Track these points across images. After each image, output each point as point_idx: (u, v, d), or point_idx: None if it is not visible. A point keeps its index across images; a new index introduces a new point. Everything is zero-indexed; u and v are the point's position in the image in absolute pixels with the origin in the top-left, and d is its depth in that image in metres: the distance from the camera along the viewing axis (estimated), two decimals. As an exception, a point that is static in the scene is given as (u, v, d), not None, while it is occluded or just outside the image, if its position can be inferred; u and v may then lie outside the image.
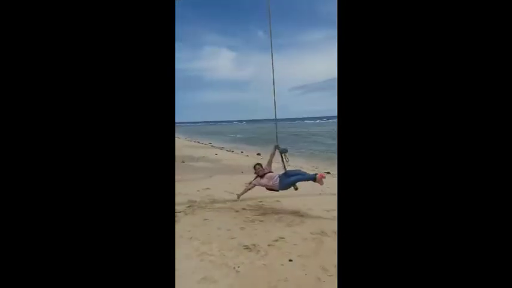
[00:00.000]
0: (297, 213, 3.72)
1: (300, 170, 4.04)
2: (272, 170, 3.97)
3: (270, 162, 4.00)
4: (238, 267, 2.32)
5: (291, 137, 22.88)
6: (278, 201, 4.31)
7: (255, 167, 3.99)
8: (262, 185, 3.87)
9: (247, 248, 2.67)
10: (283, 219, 3.50)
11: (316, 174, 3.67)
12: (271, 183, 3.78)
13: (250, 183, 4.03)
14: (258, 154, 11.91)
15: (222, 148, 14.38)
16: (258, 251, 2.62)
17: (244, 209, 3.93)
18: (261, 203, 4.20)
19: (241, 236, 2.96)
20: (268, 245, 2.74)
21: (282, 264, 2.37)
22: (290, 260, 2.44)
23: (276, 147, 4.00)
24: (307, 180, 3.67)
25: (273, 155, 4.01)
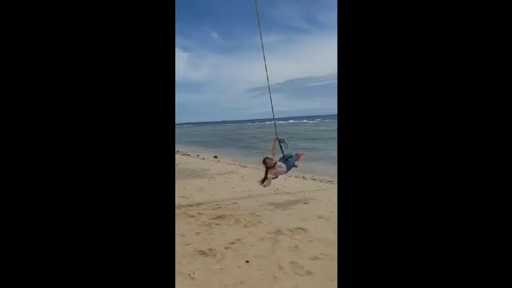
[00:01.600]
0: (253, 214, 3.74)
1: (291, 154, 4.41)
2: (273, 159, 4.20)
3: (273, 154, 4.21)
4: (194, 273, 2.25)
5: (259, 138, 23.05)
6: (235, 203, 4.29)
7: (264, 160, 4.11)
8: (279, 174, 4.15)
9: (203, 253, 2.60)
10: (240, 220, 3.49)
11: (296, 154, 4.43)
12: (282, 169, 4.13)
13: (267, 178, 4.07)
14: (215, 157, 11.76)
15: (177, 152, 13.91)
16: (215, 255, 2.57)
17: (200, 213, 3.83)
18: (217, 206, 4.14)
19: (196, 242, 2.88)
20: (225, 248, 2.70)
21: (239, 266, 2.36)
22: (247, 261, 2.44)
23: (277, 139, 4.30)
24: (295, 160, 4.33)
25: (273, 146, 4.28)
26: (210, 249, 2.67)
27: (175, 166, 8.74)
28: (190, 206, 4.19)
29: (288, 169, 4.21)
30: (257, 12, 3.84)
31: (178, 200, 4.50)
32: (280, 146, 4.34)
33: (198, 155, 12.52)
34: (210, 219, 3.58)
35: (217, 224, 3.39)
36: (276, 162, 4.11)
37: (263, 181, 4.10)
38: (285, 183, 5.95)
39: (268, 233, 3.07)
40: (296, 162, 4.39)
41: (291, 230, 3.11)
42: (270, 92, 4.26)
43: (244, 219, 3.55)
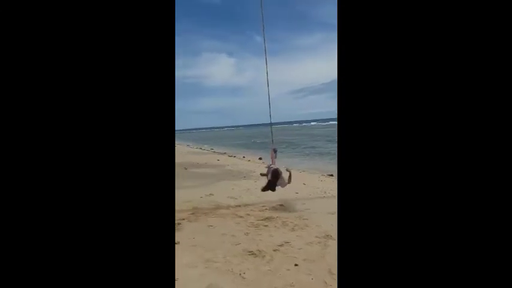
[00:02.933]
0: (300, 217, 3.70)
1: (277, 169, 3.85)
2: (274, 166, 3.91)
3: (273, 162, 4.06)
4: (244, 273, 2.31)
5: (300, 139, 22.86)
6: (282, 205, 4.29)
7: (277, 170, 3.80)
8: (282, 184, 3.75)
9: (252, 254, 2.66)
10: (287, 223, 3.48)
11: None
12: (283, 182, 3.73)
13: (270, 185, 3.77)
14: (260, 159, 11.90)
15: (223, 154, 14.38)
16: (264, 256, 2.61)
17: (248, 214, 3.91)
18: (264, 208, 4.19)
19: (245, 242, 2.94)
20: (274, 250, 2.72)
21: (288, 269, 2.35)
22: (296, 265, 2.42)
23: (274, 150, 4.03)
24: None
25: (272, 155, 4.08)
26: (258, 250, 2.72)
27: (222, 168, 9.05)
28: (239, 206, 4.30)
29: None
30: (262, 15, 3.72)
31: (227, 201, 4.66)
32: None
33: (243, 157, 12.80)
34: (258, 220, 3.64)
35: (265, 226, 3.43)
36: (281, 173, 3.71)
37: (266, 188, 3.70)
38: (332, 186, 5.78)
39: (317, 237, 3.02)
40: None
41: (340, 235, 3.02)
42: (268, 94, 3.91)
43: (292, 222, 3.53)
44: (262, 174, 3.99)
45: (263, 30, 3.82)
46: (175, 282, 2.18)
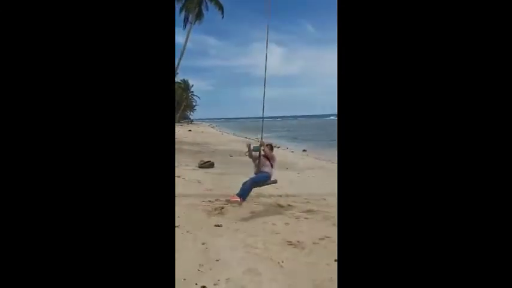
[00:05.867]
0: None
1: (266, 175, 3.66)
2: (267, 164, 3.73)
3: (255, 159, 3.80)
4: (283, 261, 2.33)
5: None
6: (324, 199, 4.21)
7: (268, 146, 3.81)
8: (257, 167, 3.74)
9: (291, 244, 2.67)
10: (328, 217, 3.42)
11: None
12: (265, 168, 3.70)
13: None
14: (304, 150, 11.75)
15: (268, 144, 14.48)
16: (303, 248, 2.60)
17: (289, 205, 3.92)
18: (306, 200, 4.15)
19: (285, 232, 2.97)
20: (313, 243, 2.70)
21: (328, 264, 2.32)
22: (335, 260, 2.38)
23: (262, 143, 3.76)
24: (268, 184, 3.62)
25: (260, 151, 3.77)
26: (298, 242, 2.72)
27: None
28: (280, 196, 4.32)
29: (253, 182, 3.58)
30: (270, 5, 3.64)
31: (268, 190, 4.70)
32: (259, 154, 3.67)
33: (287, 148, 12.75)
34: (300, 212, 3.62)
35: (306, 218, 3.41)
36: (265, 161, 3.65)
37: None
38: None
39: (360, 234, 2.92)
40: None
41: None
42: (264, 86, 3.78)
43: (333, 216, 3.45)
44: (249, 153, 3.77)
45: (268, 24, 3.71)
46: (217, 262, 2.30)
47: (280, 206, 3.85)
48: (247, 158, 4.11)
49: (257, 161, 3.73)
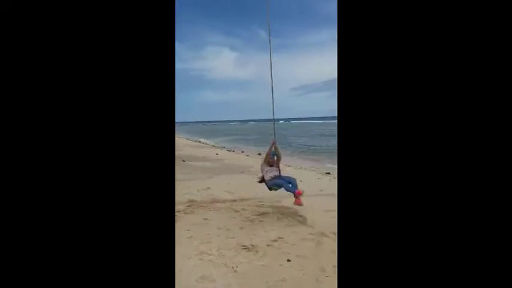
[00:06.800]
0: (296, 214, 3.73)
1: (292, 179, 3.69)
2: (273, 165, 3.84)
3: (267, 159, 3.88)
4: (237, 266, 2.33)
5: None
6: (278, 201, 4.32)
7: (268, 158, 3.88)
8: (264, 174, 3.78)
9: (246, 248, 2.68)
10: (282, 219, 3.51)
11: (295, 190, 3.50)
12: (267, 176, 3.72)
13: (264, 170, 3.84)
14: (259, 154, 11.91)
15: (222, 148, 14.41)
16: (257, 251, 2.64)
17: (244, 209, 3.94)
18: (261, 203, 4.21)
19: (240, 236, 2.97)
20: (267, 245, 2.75)
21: (281, 265, 2.38)
22: (288, 260, 2.45)
23: (274, 144, 3.89)
24: (290, 191, 3.54)
25: (269, 152, 3.89)
26: (252, 245, 2.74)
27: (220, 162, 9.07)
28: (235, 201, 4.32)
29: (270, 185, 3.68)
30: (268, 9, 3.72)
31: (224, 195, 4.68)
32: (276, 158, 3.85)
33: (242, 152, 12.82)
34: (254, 215, 3.66)
35: (260, 221, 3.45)
36: (272, 165, 3.79)
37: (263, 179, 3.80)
38: (331, 184, 5.81)
39: (311, 234, 3.05)
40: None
41: (334, 233, 3.04)
42: (272, 91, 3.95)
43: (287, 218, 3.56)
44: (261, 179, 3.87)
45: (268, 25, 3.82)
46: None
47: (235, 211, 3.85)
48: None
49: (273, 165, 3.83)
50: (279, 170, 3.86)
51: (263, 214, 3.70)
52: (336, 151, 1.21)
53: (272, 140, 3.94)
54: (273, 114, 4.14)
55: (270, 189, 3.73)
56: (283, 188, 3.61)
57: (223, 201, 4.29)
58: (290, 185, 3.55)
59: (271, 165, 3.82)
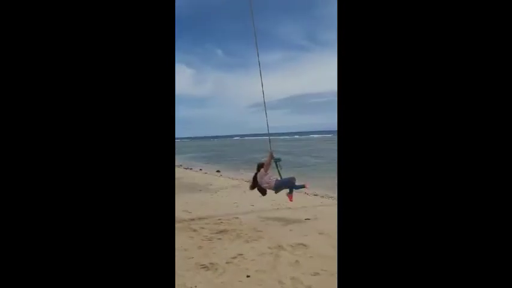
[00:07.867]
0: (255, 229, 3.77)
1: (293, 179, 4.25)
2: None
3: (266, 168, 4.23)
4: (196, 286, 2.29)
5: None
6: (237, 217, 4.33)
7: (259, 166, 4.33)
8: (263, 183, 4.22)
9: (204, 267, 2.65)
10: (241, 235, 3.53)
11: (303, 185, 4.34)
12: (268, 183, 4.19)
13: (255, 179, 4.32)
14: (218, 171, 11.82)
15: (179, 166, 14.00)
16: (216, 269, 2.61)
17: (202, 228, 3.88)
18: (219, 221, 4.18)
19: (198, 256, 2.92)
20: (227, 263, 2.74)
21: (240, 281, 2.39)
22: (248, 276, 2.47)
23: (272, 155, 4.22)
24: (297, 188, 4.30)
25: (268, 162, 4.23)
26: (211, 264, 2.71)
27: (177, 180, 8.80)
28: (193, 220, 4.23)
29: (277, 187, 4.20)
30: (255, 31, 4.04)
31: (180, 214, 4.55)
32: (276, 166, 4.30)
33: (200, 169, 12.59)
34: (212, 233, 3.62)
35: (219, 239, 3.43)
36: (267, 174, 4.22)
37: (252, 187, 4.38)
38: (285, 199, 5.98)
39: (270, 248, 3.11)
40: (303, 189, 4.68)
41: (292, 246, 3.15)
42: (265, 108, 4.33)
43: (246, 234, 3.59)
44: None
45: (256, 45, 4.09)
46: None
47: (193, 230, 3.77)
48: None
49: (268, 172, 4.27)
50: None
51: (222, 232, 3.68)
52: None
53: (269, 151, 4.28)
54: (268, 130, 4.45)
55: (276, 191, 4.25)
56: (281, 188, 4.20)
57: (180, 221, 4.17)
58: (295, 183, 4.22)
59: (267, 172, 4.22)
